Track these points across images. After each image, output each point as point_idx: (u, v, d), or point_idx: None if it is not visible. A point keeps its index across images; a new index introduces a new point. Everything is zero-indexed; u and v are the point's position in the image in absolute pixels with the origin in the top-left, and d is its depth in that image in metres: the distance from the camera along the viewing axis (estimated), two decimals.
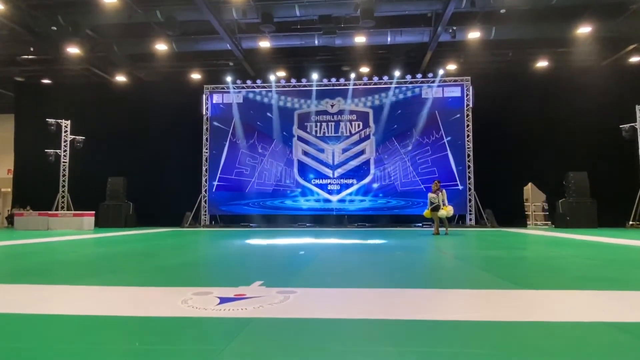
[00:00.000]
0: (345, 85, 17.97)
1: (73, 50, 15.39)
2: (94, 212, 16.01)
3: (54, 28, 14.40)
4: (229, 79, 18.16)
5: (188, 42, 15.94)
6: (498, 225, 16.08)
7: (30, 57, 17.13)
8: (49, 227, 15.23)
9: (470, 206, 17.16)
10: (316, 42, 15.71)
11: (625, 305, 2.87)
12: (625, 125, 15.55)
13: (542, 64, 17.02)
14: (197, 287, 3.55)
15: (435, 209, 11.27)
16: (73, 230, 14.42)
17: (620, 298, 3.12)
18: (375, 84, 17.86)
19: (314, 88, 18.05)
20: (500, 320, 2.49)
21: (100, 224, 16.23)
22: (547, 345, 2.04)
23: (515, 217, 16.74)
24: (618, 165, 15.97)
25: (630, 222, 15.42)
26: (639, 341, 2.09)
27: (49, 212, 16.26)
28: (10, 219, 18.60)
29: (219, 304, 2.84)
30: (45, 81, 19.19)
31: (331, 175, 17.90)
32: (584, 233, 11.52)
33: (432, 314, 2.64)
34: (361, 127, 17.96)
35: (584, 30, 14.37)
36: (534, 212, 19.73)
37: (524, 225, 16.69)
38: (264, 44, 15.69)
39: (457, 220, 17.26)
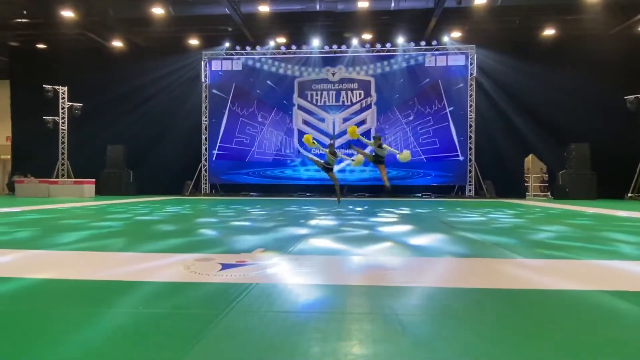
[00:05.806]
0: (346, 52, 17.59)
1: (67, 13, 14.95)
2: (94, 179, 16.06)
3: None
4: (227, 45, 17.77)
5: (185, 5, 15.46)
6: (497, 196, 16.14)
7: (23, 20, 16.64)
8: (50, 195, 15.30)
9: (470, 177, 17.17)
10: (317, 6, 15.24)
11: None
12: (630, 97, 15.34)
13: (549, 32, 16.60)
14: (199, 253, 3.59)
15: (379, 159, 9.54)
16: (74, 197, 14.48)
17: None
18: (377, 51, 17.48)
19: (315, 55, 17.68)
20: (500, 288, 2.51)
21: (100, 191, 16.30)
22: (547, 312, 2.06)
23: (515, 188, 16.77)
24: (621, 137, 15.86)
25: (629, 194, 15.47)
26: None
27: (50, 179, 16.30)
28: (10, 186, 18.64)
29: (221, 269, 2.88)
30: (40, 46, 18.74)
31: None
32: (589, 205, 11.57)
33: (423, 281, 2.67)
34: (362, 96, 17.71)
35: None
36: (534, 183, 19.76)
37: (522, 196, 16.75)
38: (264, 8, 15.22)
39: (457, 191, 17.32)
